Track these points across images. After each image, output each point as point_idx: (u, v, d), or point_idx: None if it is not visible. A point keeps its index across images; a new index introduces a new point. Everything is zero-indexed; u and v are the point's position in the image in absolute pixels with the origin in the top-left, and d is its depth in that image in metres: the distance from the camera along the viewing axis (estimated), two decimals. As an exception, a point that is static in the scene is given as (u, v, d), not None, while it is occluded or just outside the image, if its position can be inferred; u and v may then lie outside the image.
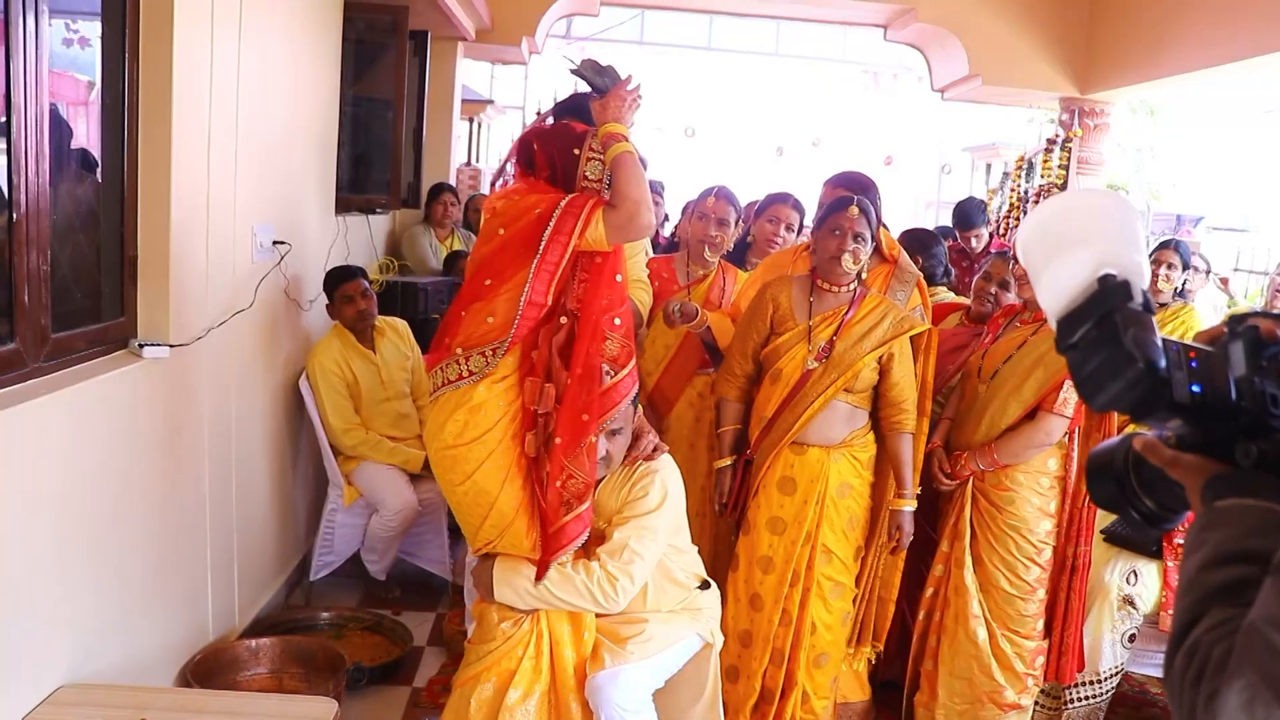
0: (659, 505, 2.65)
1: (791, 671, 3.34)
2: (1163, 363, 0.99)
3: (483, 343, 2.47)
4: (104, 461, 2.73)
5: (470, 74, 12.02)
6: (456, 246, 6.49)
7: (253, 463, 3.89)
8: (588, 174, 2.53)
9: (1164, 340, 1.01)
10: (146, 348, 2.95)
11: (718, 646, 2.95)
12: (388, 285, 5.27)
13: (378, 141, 5.68)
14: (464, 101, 9.51)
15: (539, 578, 2.54)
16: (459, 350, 2.47)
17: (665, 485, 2.68)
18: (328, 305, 4.45)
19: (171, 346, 3.04)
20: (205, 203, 3.29)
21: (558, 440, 2.46)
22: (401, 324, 4.70)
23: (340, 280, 4.43)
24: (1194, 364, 1.01)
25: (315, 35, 4.44)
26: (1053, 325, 1.11)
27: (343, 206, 5.07)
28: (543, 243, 2.41)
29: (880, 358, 3.27)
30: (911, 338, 3.32)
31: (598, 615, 2.70)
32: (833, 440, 3.31)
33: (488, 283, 2.48)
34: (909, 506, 3.29)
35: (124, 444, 2.85)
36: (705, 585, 2.93)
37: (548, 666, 2.63)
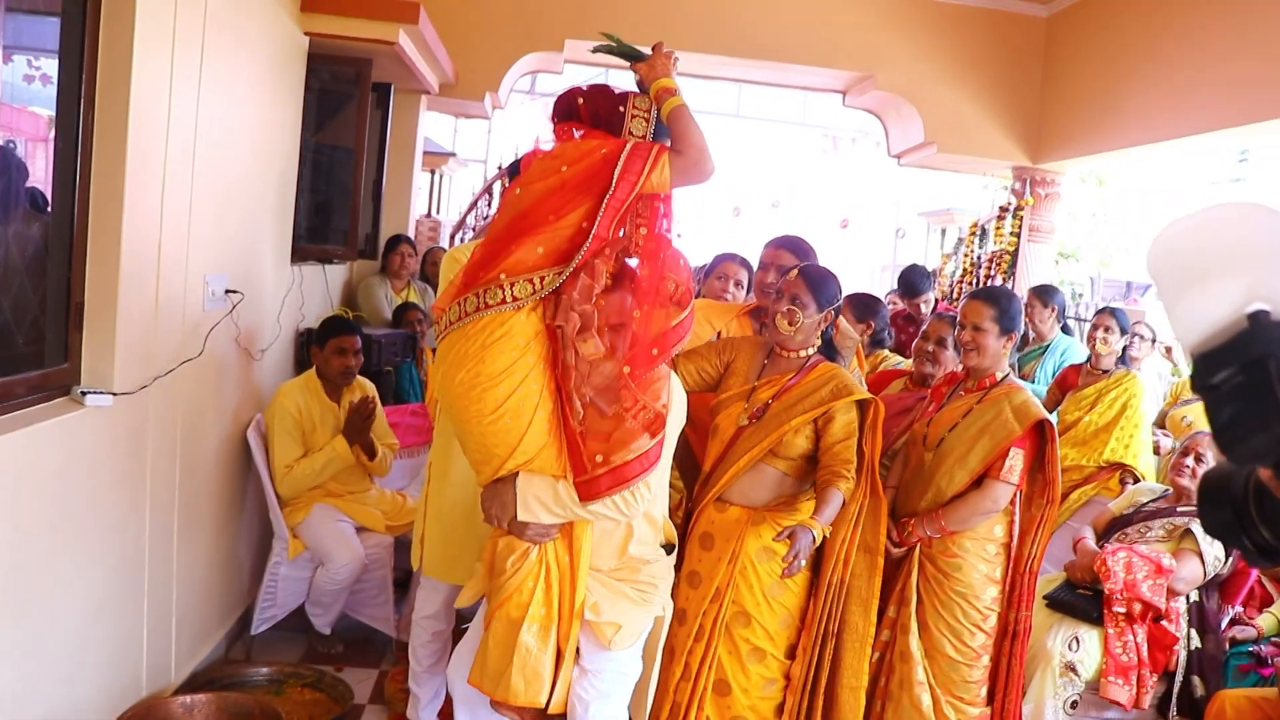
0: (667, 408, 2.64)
1: None
2: None
3: (531, 270, 2.46)
4: (40, 510, 2.67)
5: (433, 126, 12.06)
6: (412, 299, 6.48)
7: (196, 514, 3.82)
8: (633, 129, 2.61)
9: None
10: (89, 395, 2.91)
11: (668, 619, 2.95)
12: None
13: (337, 191, 5.68)
14: (426, 153, 9.53)
15: (585, 498, 2.50)
16: (503, 276, 2.46)
17: (670, 387, 2.67)
18: (314, 351, 4.45)
19: (115, 395, 3.00)
20: (157, 249, 3.26)
21: (627, 369, 2.50)
22: (370, 385, 4.71)
23: (338, 331, 4.45)
24: None
25: (277, 84, 4.45)
26: (1185, 356, 0.98)
27: (299, 256, 5.05)
28: (614, 179, 2.45)
29: (816, 421, 3.26)
30: (861, 414, 3.29)
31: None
32: (757, 503, 3.31)
33: (551, 218, 2.48)
34: (814, 530, 3.03)
35: (61, 493, 2.79)
36: (670, 548, 2.91)
37: (557, 596, 2.63)
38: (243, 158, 4.07)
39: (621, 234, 2.56)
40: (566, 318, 2.46)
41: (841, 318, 3.78)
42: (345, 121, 5.65)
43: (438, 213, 13.17)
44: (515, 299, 2.44)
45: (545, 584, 2.62)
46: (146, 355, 3.23)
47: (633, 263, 2.60)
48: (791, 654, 3.35)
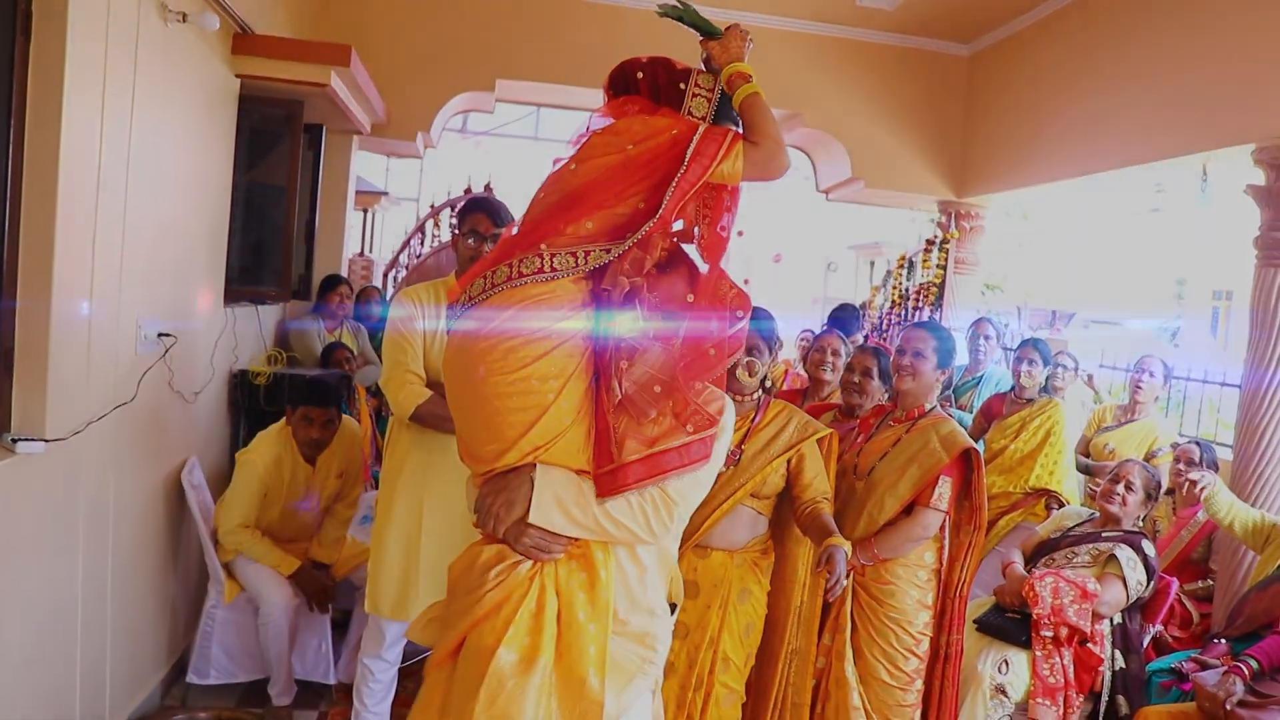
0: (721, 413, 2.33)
1: None
2: None
3: (577, 243, 2.21)
4: (-29, 559, 2.64)
5: (365, 165, 12.04)
6: (345, 339, 6.45)
7: (130, 559, 3.78)
8: (693, 110, 2.38)
9: None
10: (21, 443, 2.89)
11: (659, 697, 2.50)
12: (274, 378, 5.21)
13: (270, 232, 5.65)
14: (358, 192, 9.53)
15: (605, 492, 2.11)
16: (543, 246, 2.19)
17: (724, 410, 2.32)
18: (288, 409, 4.39)
19: (47, 441, 2.97)
20: (89, 294, 3.25)
21: (682, 366, 2.19)
22: (355, 425, 4.61)
23: (309, 399, 4.33)
24: None
25: (208, 126, 4.45)
26: None
27: (232, 297, 5.02)
28: (686, 159, 2.22)
29: (789, 461, 3.36)
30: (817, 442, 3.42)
31: None
32: (735, 545, 3.37)
33: (611, 200, 2.23)
34: (844, 546, 3.04)
35: (-8, 541, 2.76)
36: (674, 608, 2.51)
37: (553, 632, 2.10)
38: (175, 200, 4.06)
39: (679, 225, 2.34)
40: (614, 282, 2.20)
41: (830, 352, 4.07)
42: (277, 162, 5.64)
43: (370, 251, 13.13)
44: (554, 270, 2.18)
45: (536, 609, 2.10)
46: (79, 400, 3.21)
47: (690, 253, 2.37)
48: (745, 687, 3.41)
